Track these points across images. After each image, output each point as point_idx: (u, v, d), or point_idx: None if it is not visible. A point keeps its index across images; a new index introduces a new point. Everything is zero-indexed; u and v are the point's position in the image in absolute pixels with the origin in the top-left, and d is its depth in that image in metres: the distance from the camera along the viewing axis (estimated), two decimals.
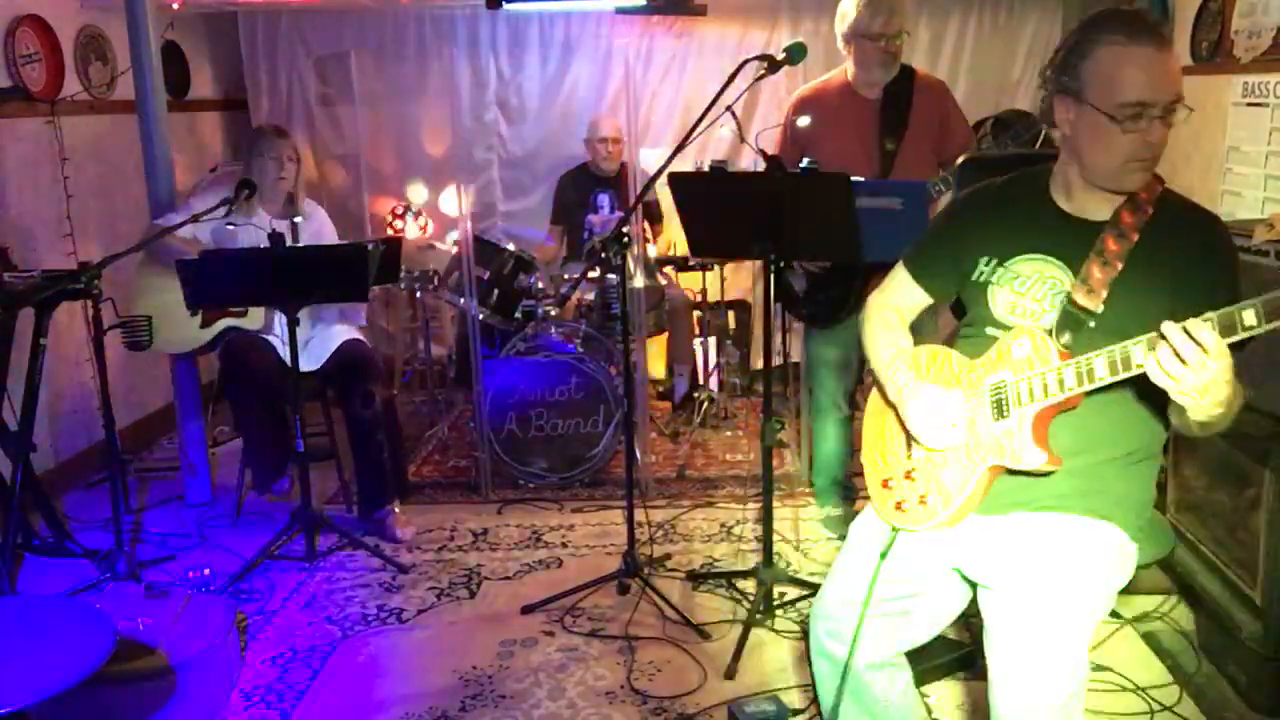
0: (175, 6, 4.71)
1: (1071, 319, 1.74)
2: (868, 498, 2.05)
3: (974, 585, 1.91)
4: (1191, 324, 1.46)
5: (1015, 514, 1.81)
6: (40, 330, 3.28)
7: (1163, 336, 1.48)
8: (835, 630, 1.97)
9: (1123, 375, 1.59)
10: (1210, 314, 1.47)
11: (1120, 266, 1.73)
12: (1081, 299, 1.74)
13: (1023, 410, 1.73)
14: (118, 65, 4.59)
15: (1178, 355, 1.46)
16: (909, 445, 1.93)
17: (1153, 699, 2.63)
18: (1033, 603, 1.76)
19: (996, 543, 1.82)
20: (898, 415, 1.93)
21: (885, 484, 1.96)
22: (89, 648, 1.93)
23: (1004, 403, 1.76)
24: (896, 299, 2.07)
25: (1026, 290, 1.82)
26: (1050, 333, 1.75)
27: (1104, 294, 1.73)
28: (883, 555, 1.89)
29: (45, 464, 4.00)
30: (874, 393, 2.07)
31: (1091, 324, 1.73)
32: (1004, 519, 1.82)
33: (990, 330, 1.85)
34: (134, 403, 4.69)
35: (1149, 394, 1.76)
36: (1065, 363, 1.68)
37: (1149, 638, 2.90)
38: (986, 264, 1.88)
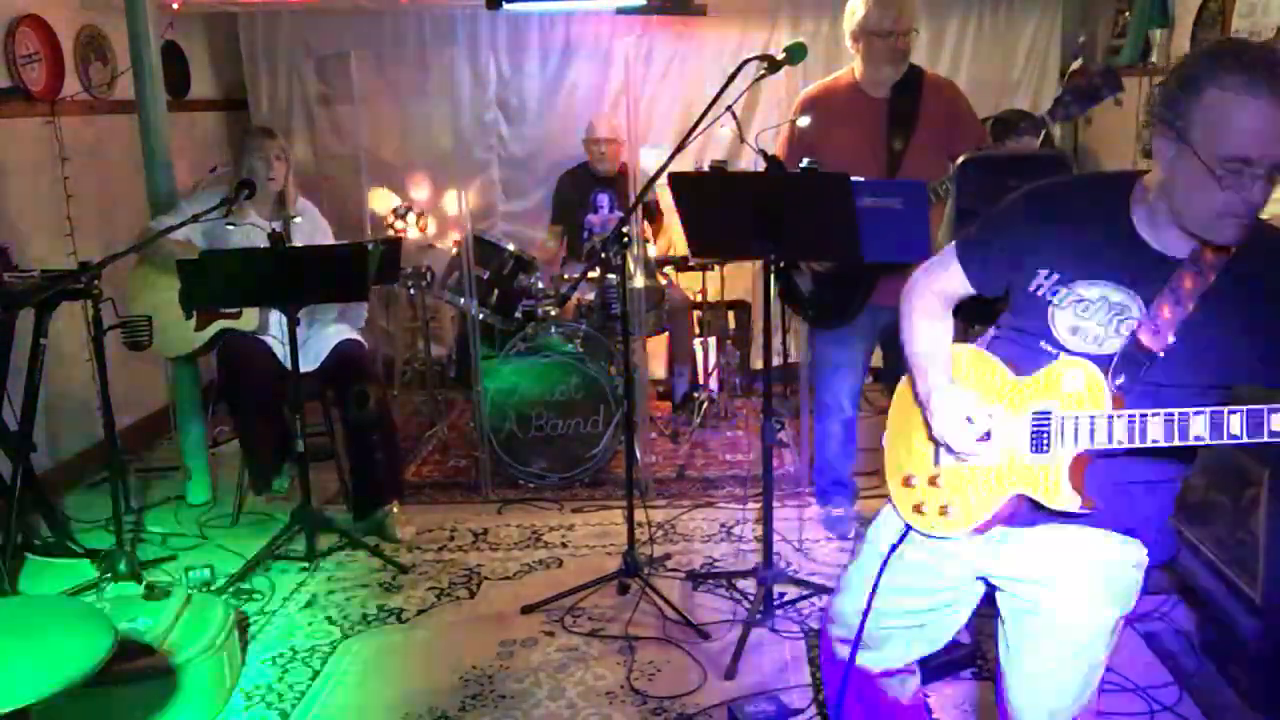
0: (175, 6, 4.71)
1: (1132, 359, 1.65)
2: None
3: (993, 587, 1.90)
4: None
5: (1043, 525, 1.78)
6: (40, 330, 3.28)
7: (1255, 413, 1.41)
8: (849, 636, 1.96)
9: (1178, 443, 1.52)
10: None
11: (1191, 307, 1.62)
12: (1146, 340, 1.63)
13: (1064, 450, 1.67)
14: (118, 65, 4.58)
15: None
16: (938, 450, 1.86)
17: (1153, 699, 2.63)
18: (1059, 615, 1.75)
19: (1024, 553, 1.80)
20: (926, 422, 1.86)
21: (906, 481, 1.91)
22: (89, 648, 1.93)
23: (1045, 436, 1.69)
24: (942, 284, 1.92)
25: (1090, 314, 1.70)
26: (1108, 371, 1.65)
27: (1170, 336, 1.63)
28: (893, 547, 1.88)
29: (45, 464, 3.99)
30: (904, 382, 1.98)
31: (1150, 365, 1.64)
32: (1032, 529, 1.79)
33: (1045, 345, 1.75)
34: (134, 403, 4.68)
35: None
36: (1118, 413, 1.60)
37: (1149, 638, 2.90)
38: (1048, 278, 1.74)
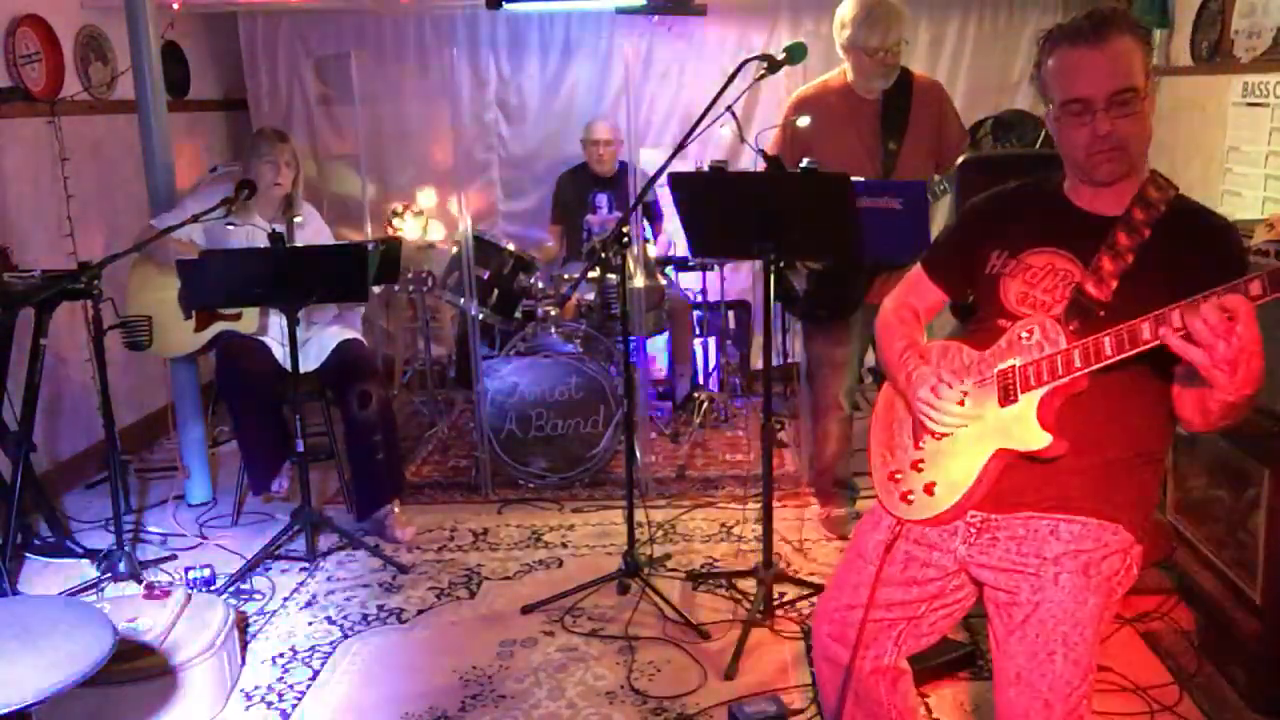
0: (175, 6, 4.71)
1: (1080, 308, 1.76)
2: (869, 497, 2.05)
3: (980, 585, 1.91)
4: (1218, 290, 1.46)
5: (1024, 514, 1.81)
6: (40, 330, 3.29)
7: (1191, 305, 1.48)
8: (838, 633, 1.97)
9: (1130, 352, 1.59)
10: (1241, 280, 1.47)
11: (1130, 260, 1.75)
12: (1091, 289, 1.76)
13: (1030, 394, 1.75)
14: (118, 65, 4.58)
15: (1206, 323, 1.45)
16: (917, 436, 1.94)
17: (1153, 699, 2.63)
18: (1041, 605, 1.75)
19: (1005, 543, 1.82)
20: (907, 405, 1.95)
21: (892, 477, 1.97)
22: (89, 648, 1.93)
23: (1011, 387, 1.78)
24: (913, 298, 2.10)
25: (1038, 282, 1.84)
26: (1059, 320, 1.76)
27: (1113, 285, 1.74)
28: (887, 549, 1.89)
29: (45, 464, 3.99)
30: (883, 389, 2.09)
31: (1101, 314, 1.74)
32: (1012, 519, 1.82)
33: (1001, 321, 1.86)
34: (134, 403, 4.69)
35: (1159, 395, 1.76)
36: (1073, 345, 1.69)
37: (1149, 638, 2.90)
38: (999, 257, 1.91)
